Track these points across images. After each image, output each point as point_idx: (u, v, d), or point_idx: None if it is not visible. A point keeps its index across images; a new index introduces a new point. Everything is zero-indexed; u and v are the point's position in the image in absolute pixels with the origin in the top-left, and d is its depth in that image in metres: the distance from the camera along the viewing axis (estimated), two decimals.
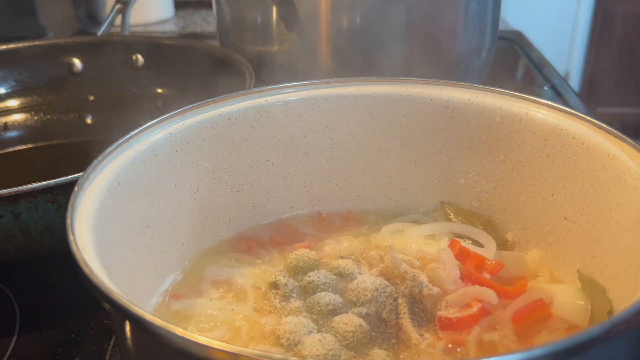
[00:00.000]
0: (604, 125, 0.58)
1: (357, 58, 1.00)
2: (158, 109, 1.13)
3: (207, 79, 1.08)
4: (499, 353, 0.51)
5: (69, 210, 0.48)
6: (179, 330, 0.36)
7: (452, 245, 0.64)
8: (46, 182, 0.65)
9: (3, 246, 0.69)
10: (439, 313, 0.55)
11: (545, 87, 1.31)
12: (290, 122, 0.69)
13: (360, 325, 0.53)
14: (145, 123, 0.61)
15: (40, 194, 0.66)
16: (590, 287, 0.56)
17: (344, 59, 1.00)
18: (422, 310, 0.56)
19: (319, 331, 0.54)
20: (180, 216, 0.64)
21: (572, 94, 1.27)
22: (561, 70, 2.73)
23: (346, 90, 0.70)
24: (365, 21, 0.97)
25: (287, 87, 0.69)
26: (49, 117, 1.13)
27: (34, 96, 1.16)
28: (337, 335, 0.52)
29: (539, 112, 0.63)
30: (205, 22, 1.88)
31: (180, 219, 0.64)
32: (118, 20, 1.26)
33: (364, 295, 0.56)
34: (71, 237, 0.45)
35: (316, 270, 0.61)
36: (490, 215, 0.70)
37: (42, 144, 1.08)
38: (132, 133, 0.59)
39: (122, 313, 0.39)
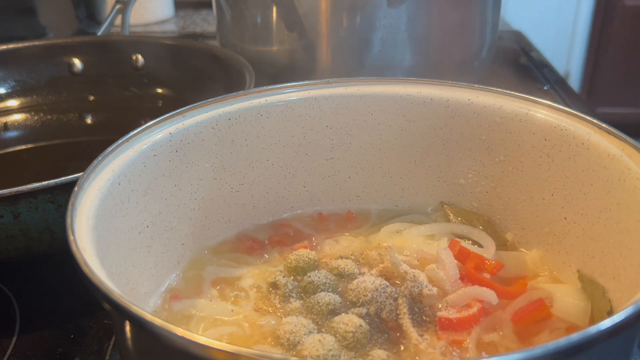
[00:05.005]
0: (604, 125, 0.58)
1: (357, 58, 1.00)
2: (158, 109, 1.13)
3: (207, 79, 1.08)
4: (499, 353, 0.51)
5: (69, 210, 0.48)
6: (179, 330, 0.36)
7: (451, 245, 0.64)
8: (46, 182, 0.65)
9: (3, 246, 0.69)
10: (439, 313, 0.55)
11: (545, 87, 1.31)
12: (290, 122, 0.69)
13: (360, 325, 0.53)
14: (145, 123, 0.61)
15: (40, 194, 0.66)
16: (590, 287, 0.56)
17: (344, 59, 1.00)
18: (422, 310, 0.56)
19: (319, 331, 0.54)
20: (180, 216, 0.64)
21: (572, 94, 1.27)
22: (561, 70, 2.73)
23: (346, 90, 0.69)
24: (365, 21, 0.97)
25: (287, 87, 0.69)
26: (49, 117, 1.13)
27: (34, 96, 1.16)
28: (337, 335, 0.52)
29: (539, 112, 0.63)
30: (205, 22, 1.88)
31: (180, 219, 0.64)
32: (118, 20, 1.26)
33: (364, 296, 0.56)
34: (71, 237, 0.45)
35: (316, 271, 0.61)
36: (490, 215, 0.70)
37: (42, 144, 1.08)
38: (132, 133, 0.59)
39: (122, 313, 0.39)
